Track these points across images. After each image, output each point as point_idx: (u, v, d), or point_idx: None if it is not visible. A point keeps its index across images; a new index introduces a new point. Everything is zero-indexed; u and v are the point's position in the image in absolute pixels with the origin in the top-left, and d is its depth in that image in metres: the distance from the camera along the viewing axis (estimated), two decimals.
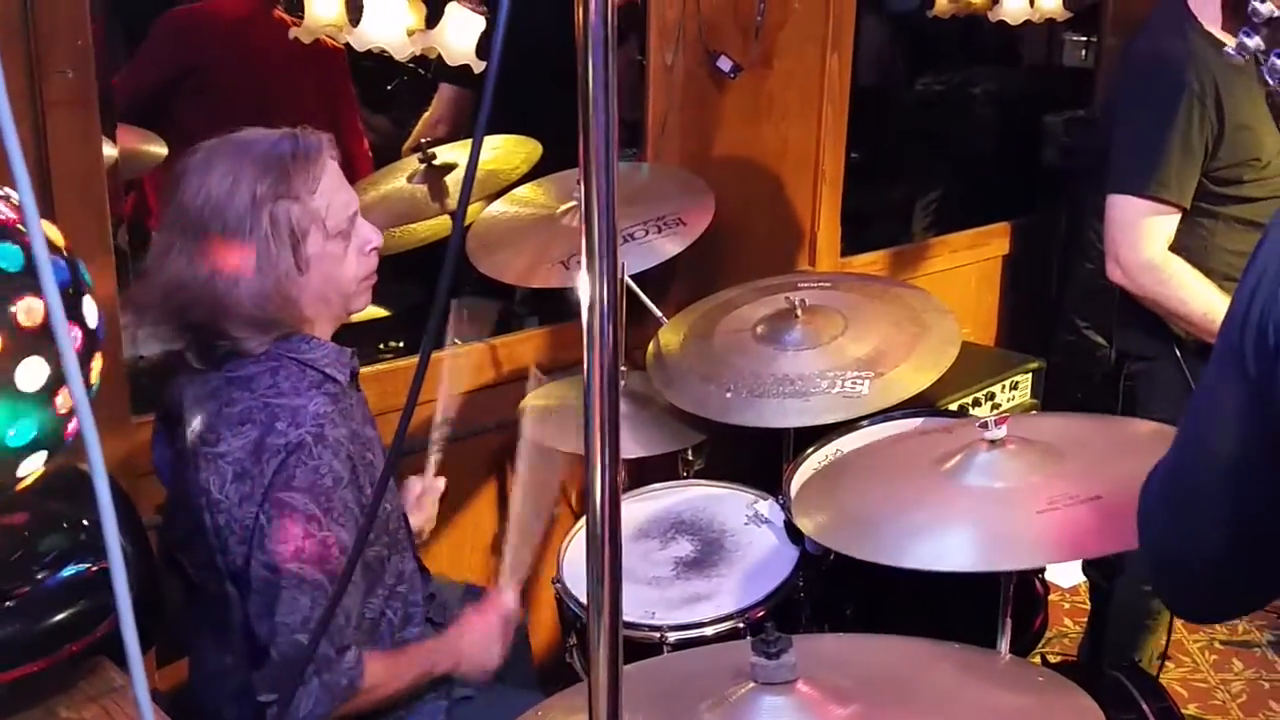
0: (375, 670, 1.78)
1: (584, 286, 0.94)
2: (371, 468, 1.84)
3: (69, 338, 0.65)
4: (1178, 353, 2.57)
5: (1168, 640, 2.80)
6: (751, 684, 1.37)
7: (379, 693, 1.80)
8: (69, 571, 1.47)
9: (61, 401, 1.30)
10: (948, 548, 1.71)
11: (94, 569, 1.48)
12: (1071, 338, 3.87)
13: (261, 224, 1.69)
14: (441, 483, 2.24)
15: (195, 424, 1.76)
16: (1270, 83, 1.79)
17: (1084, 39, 4.53)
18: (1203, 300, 2.49)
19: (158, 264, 1.73)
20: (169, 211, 1.74)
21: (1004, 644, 1.81)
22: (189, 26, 3.43)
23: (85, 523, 1.51)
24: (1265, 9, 1.76)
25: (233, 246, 1.69)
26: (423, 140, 3.02)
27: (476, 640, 1.95)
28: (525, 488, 2.12)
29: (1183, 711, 3.04)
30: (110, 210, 2.24)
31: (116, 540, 0.61)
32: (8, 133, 0.50)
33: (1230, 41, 2.54)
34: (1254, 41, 1.79)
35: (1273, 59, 1.76)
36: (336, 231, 1.78)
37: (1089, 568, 2.06)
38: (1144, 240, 2.52)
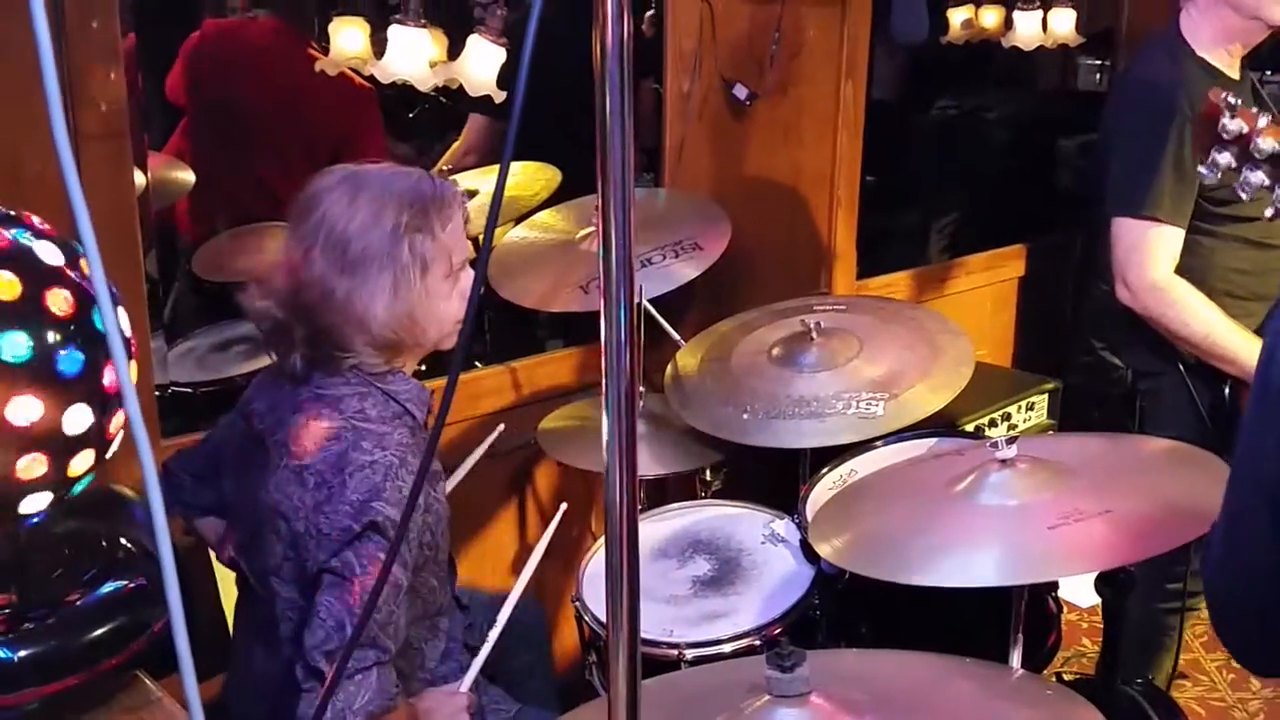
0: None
1: (601, 311, 0.98)
2: (438, 502, 1.95)
3: (130, 383, 0.70)
4: (1182, 369, 2.62)
5: (1176, 659, 2.82)
6: (766, 697, 1.41)
7: None
8: (107, 589, 1.52)
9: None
10: (962, 565, 1.74)
11: (131, 587, 1.53)
12: (1088, 358, 3.88)
13: (402, 252, 1.81)
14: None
15: (279, 434, 1.84)
16: (1244, 197, 1.86)
17: (1098, 63, 4.58)
18: (1205, 323, 2.54)
19: (293, 267, 1.83)
20: (306, 223, 1.83)
21: (1015, 659, 1.84)
22: (215, 38, 3.54)
23: (123, 541, 1.56)
24: (1234, 126, 1.84)
25: (372, 268, 1.81)
26: (445, 168, 3.08)
27: (446, 713, 1.93)
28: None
29: None
30: (141, 238, 2.31)
31: (170, 553, 0.66)
32: (73, 189, 0.55)
33: (1223, 64, 2.61)
34: (1225, 158, 1.87)
35: (1245, 173, 1.84)
36: (453, 272, 1.91)
37: (1101, 586, 2.08)
38: (1149, 261, 2.57)
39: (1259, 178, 1.82)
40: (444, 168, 3.15)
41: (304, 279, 1.82)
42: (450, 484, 2.33)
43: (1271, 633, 1.20)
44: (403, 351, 1.91)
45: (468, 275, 1.95)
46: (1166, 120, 2.52)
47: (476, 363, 3.13)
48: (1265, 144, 1.80)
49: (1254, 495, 1.14)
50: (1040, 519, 1.71)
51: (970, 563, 1.73)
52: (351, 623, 1.71)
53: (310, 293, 1.81)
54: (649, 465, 2.58)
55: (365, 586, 1.72)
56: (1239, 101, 1.87)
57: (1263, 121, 1.83)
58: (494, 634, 2.04)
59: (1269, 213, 1.82)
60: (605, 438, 1.01)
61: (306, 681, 1.71)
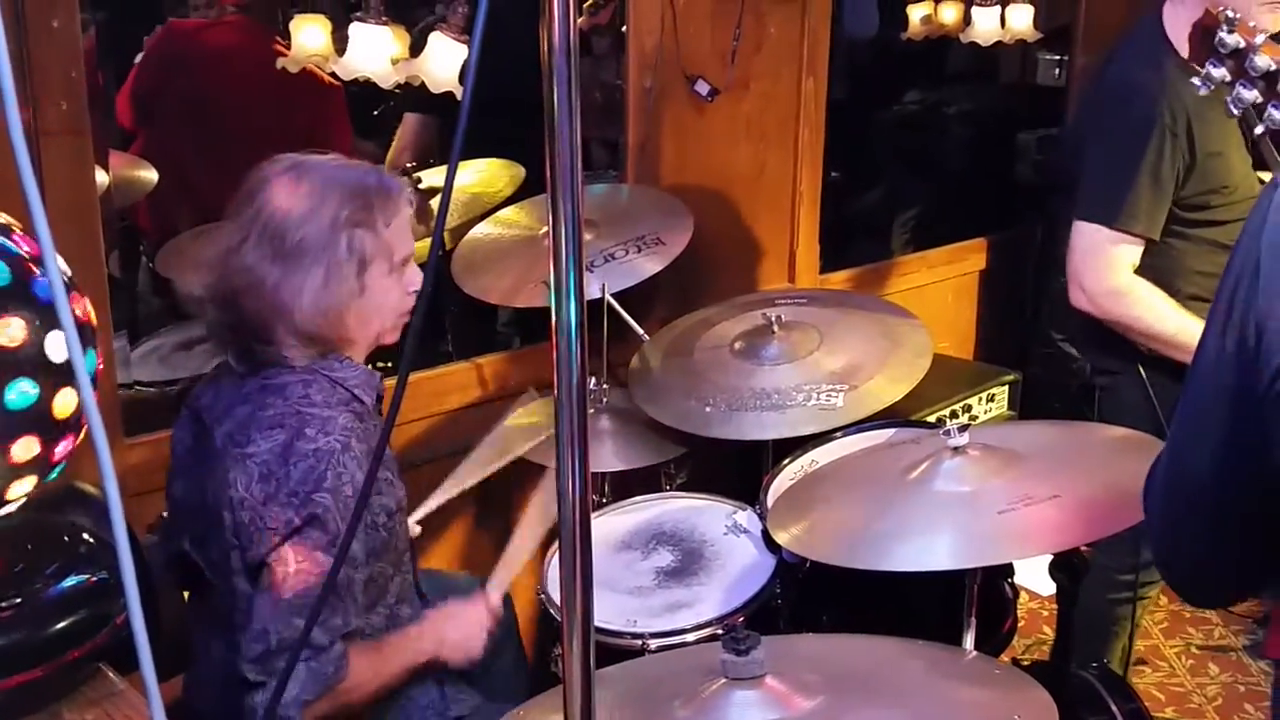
0: (359, 666, 1.83)
1: (553, 306, 1.01)
2: (391, 485, 1.95)
3: (83, 363, 0.71)
4: (1140, 370, 2.57)
5: (1130, 644, 2.85)
6: (722, 680, 1.44)
7: (367, 688, 1.86)
8: (69, 582, 1.53)
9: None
10: (916, 551, 1.78)
11: (93, 580, 1.54)
12: (1048, 350, 3.95)
13: (339, 245, 1.81)
14: (417, 530, 2.31)
15: (226, 425, 1.84)
16: (1234, 112, 1.84)
17: (1056, 58, 4.63)
18: (1174, 321, 2.49)
19: (227, 253, 1.82)
20: (246, 211, 1.83)
21: (968, 641, 1.88)
22: (180, 37, 3.54)
23: (85, 536, 1.57)
24: (1232, 40, 1.81)
25: (305, 260, 1.79)
26: (408, 166, 3.10)
27: (461, 627, 2.01)
28: (539, 509, 2.20)
29: (1159, 715, 3.11)
30: (103, 236, 2.31)
31: (127, 545, 0.67)
32: (27, 180, 0.57)
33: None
34: (1220, 72, 1.85)
35: (1238, 89, 1.82)
36: (395, 268, 1.90)
37: (1055, 571, 2.12)
38: (1109, 269, 2.52)
39: (1252, 95, 1.81)
40: (407, 165, 3.16)
41: (235, 264, 1.81)
42: (422, 511, 2.33)
43: (1209, 563, 1.25)
44: (332, 345, 1.89)
45: (413, 271, 1.95)
46: (1146, 129, 2.45)
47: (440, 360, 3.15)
48: (1261, 61, 1.77)
49: (1207, 417, 1.18)
50: (991, 504, 1.74)
51: (924, 548, 1.76)
52: (277, 629, 1.73)
53: (239, 278, 1.80)
54: (613, 459, 2.60)
55: (294, 586, 1.73)
56: (1237, 16, 1.84)
57: (1259, 39, 1.81)
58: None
59: (1259, 130, 1.81)
60: (557, 427, 1.03)
61: (244, 684, 1.75)
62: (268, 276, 1.79)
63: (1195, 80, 1.87)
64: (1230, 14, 1.82)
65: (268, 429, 1.79)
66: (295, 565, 1.74)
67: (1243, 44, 1.81)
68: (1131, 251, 2.53)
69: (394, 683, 1.93)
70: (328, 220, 1.80)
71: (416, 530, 2.35)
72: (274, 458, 1.76)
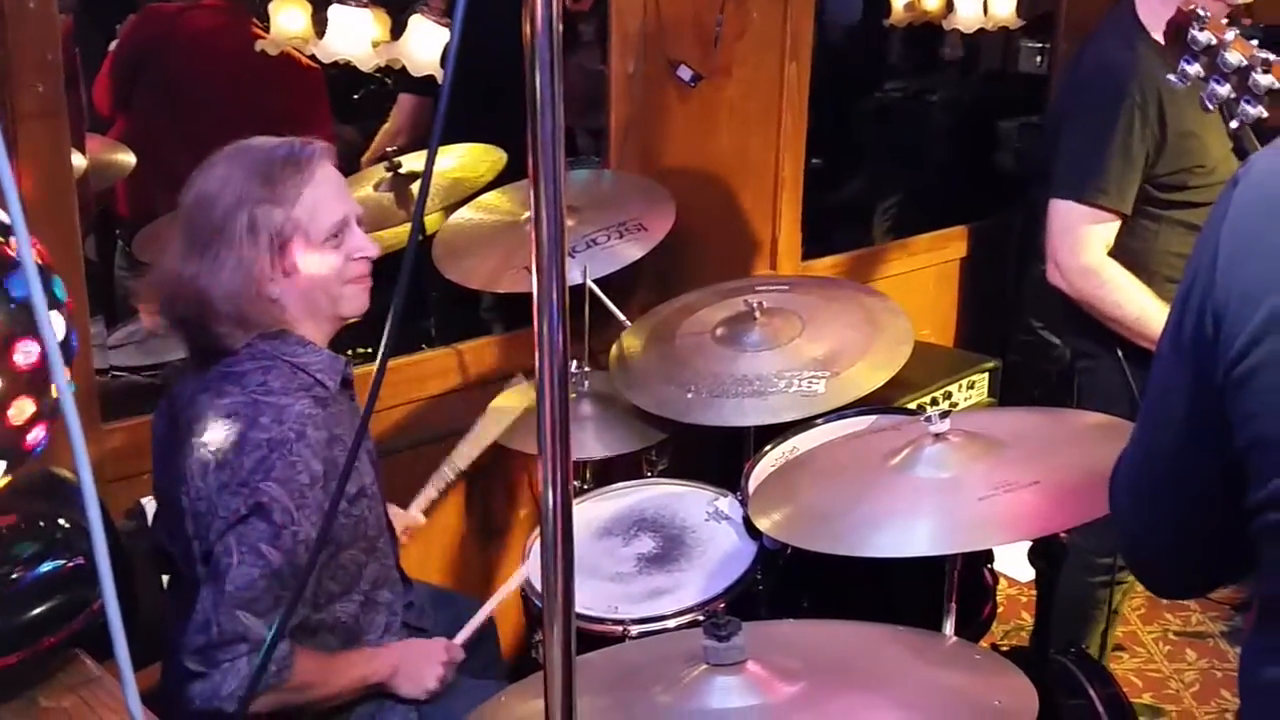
0: (307, 668, 1.82)
1: (534, 291, 1.00)
2: (357, 471, 1.93)
3: (60, 361, 0.71)
4: (1120, 354, 2.61)
5: (1107, 629, 2.87)
6: (703, 666, 1.44)
7: (311, 692, 1.84)
8: (45, 568, 1.52)
9: (15, 413, 1.33)
10: (896, 537, 1.78)
11: (69, 566, 1.53)
12: (1028, 337, 3.95)
13: (239, 224, 1.77)
14: (422, 519, 2.32)
15: (189, 413, 1.83)
16: (1210, 107, 1.87)
17: (1039, 45, 4.64)
18: (1138, 306, 2.54)
19: (158, 259, 1.84)
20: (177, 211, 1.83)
21: (948, 626, 1.89)
22: (157, 20, 3.52)
23: (61, 522, 1.56)
24: (1204, 37, 1.84)
25: (216, 246, 1.77)
26: (388, 150, 3.08)
27: (418, 659, 1.99)
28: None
29: (1136, 700, 3.13)
30: (80, 220, 2.29)
31: (102, 537, 0.67)
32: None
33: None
34: (1194, 69, 1.87)
35: (1212, 85, 1.85)
36: (322, 239, 1.85)
37: (1034, 558, 2.13)
38: (1082, 245, 2.58)
39: (1225, 90, 1.84)
40: (386, 150, 3.13)
41: (166, 269, 1.81)
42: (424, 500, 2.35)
43: (1174, 551, 1.26)
44: (273, 326, 1.86)
45: (357, 237, 1.91)
46: (1116, 106, 2.51)
47: (423, 345, 3.14)
48: (1232, 57, 1.81)
49: (1169, 404, 1.19)
50: (971, 490, 1.75)
51: (904, 534, 1.77)
52: (219, 620, 1.72)
53: (170, 284, 1.80)
54: (595, 446, 2.59)
55: (237, 578, 1.72)
56: (1208, 14, 1.86)
57: (1230, 35, 1.84)
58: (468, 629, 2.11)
59: (1234, 124, 1.84)
60: (539, 413, 1.03)
61: (186, 674, 1.74)
62: (186, 271, 1.78)
63: (1171, 76, 1.90)
64: (1201, 11, 1.85)
65: (224, 417, 1.78)
66: (238, 556, 1.72)
67: (1214, 41, 1.84)
68: (1104, 229, 2.58)
69: (343, 696, 1.91)
70: (231, 201, 1.78)
71: (421, 519, 2.34)
72: (229, 446, 1.75)
